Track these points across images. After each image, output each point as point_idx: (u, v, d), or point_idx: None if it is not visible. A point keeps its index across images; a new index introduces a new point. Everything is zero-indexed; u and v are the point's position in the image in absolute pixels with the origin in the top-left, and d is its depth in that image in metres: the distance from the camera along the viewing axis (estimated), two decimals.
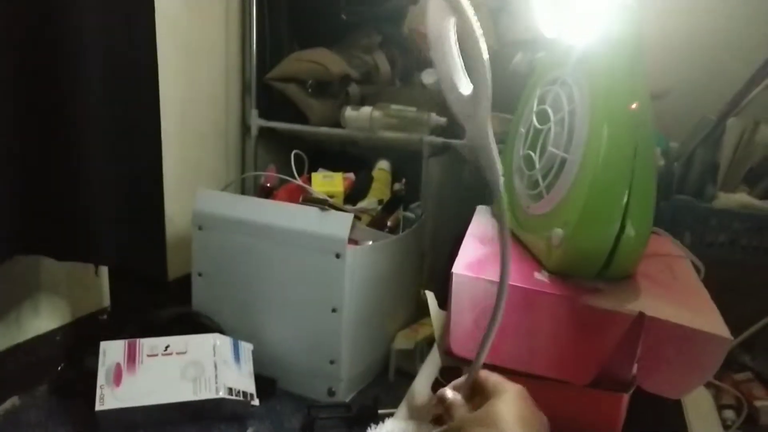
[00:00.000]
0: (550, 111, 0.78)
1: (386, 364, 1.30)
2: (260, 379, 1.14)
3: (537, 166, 0.79)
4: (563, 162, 0.73)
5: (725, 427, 1.05)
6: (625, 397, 0.69)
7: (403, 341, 1.30)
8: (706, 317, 0.68)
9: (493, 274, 0.71)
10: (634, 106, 0.68)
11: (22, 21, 0.89)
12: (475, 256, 0.77)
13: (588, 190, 0.68)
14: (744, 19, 1.49)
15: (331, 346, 1.16)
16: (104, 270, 1.25)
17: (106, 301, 1.28)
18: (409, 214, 1.38)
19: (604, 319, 0.67)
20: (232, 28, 1.57)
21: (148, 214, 1.14)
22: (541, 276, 0.73)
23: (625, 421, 0.73)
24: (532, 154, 0.80)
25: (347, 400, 1.19)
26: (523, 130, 0.86)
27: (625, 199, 0.68)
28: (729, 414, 1.09)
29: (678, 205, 1.22)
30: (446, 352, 0.73)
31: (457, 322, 0.71)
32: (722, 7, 1.51)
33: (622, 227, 0.68)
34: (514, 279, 0.71)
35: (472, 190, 1.38)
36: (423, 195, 1.43)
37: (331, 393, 1.18)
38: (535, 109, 0.82)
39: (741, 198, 1.22)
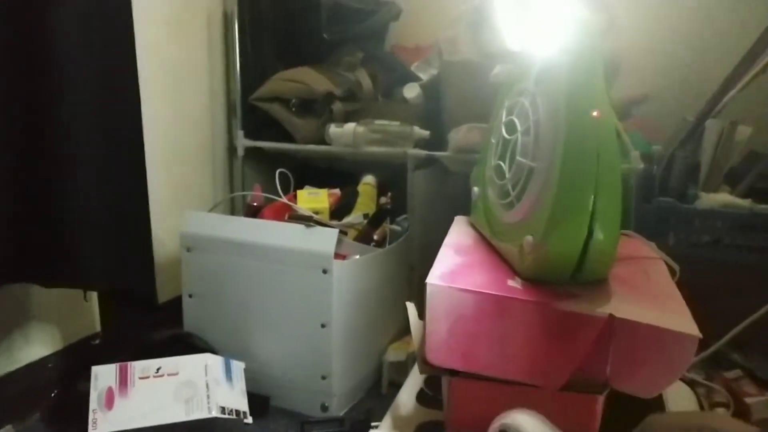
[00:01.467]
0: (517, 121, 0.80)
1: (379, 376, 1.30)
2: (253, 397, 1.15)
3: (507, 175, 0.80)
4: (531, 171, 0.75)
5: None
6: (600, 398, 0.70)
7: (394, 353, 1.30)
8: (675, 317, 0.69)
9: (467, 284, 0.73)
10: (596, 114, 0.70)
11: (5, 50, 0.91)
12: (449, 266, 0.78)
13: (554, 197, 0.70)
14: (722, 22, 1.52)
15: (322, 361, 1.17)
16: (94, 295, 1.26)
17: (97, 326, 1.29)
18: (395, 227, 1.39)
19: (576, 322, 0.68)
20: (215, 50, 1.59)
21: (136, 237, 1.16)
22: (514, 283, 0.75)
23: (606, 422, 0.74)
24: (502, 164, 0.82)
25: (341, 415, 1.19)
26: (494, 141, 0.88)
27: (591, 204, 0.69)
28: (721, 411, 1.09)
29: (661, 207, 1.23)
30: (424, 361, 0.74)
31: (433, 331, 0.72)
32: (700, 11, 1.54)
33: (590, 231, 0.70)
34: (489, 287, 0.73)
35: (458, 200, 1.40)
36: (409, 207, 1.44)
37: (324, 408, 1.19)
38: (503, 119, 0.84)
39: (723, 197, 1.23)
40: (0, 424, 1.09)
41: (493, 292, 0.71)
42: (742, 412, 1.08)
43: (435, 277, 0.74)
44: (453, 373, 0.74)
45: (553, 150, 0.72)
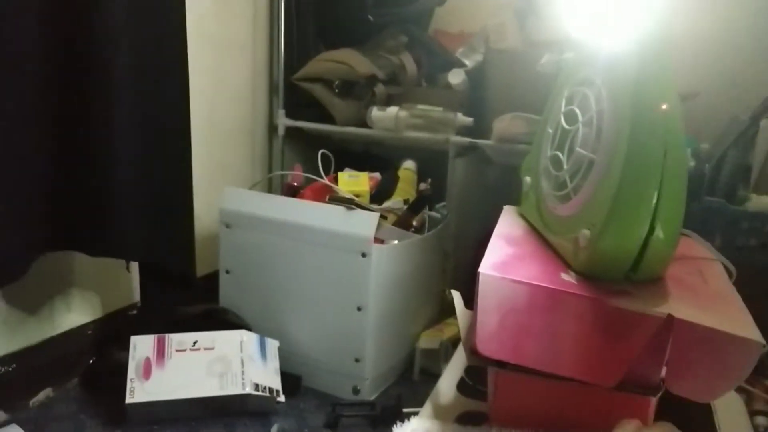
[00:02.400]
0: (578, 112, 0.78)
1: (411, 363, 1.30)
2: (285, 376, 1.15)
3: (565, 167, 0.78)
4: (591, 163, 0.73)
5: None
6: (653, 400, 0.69)
7: (427, 341, 1.30)
8: (736, 321, 0.67)
9: (519, 275, 0.71)
10: (663, 107, 0.68)
11: (57, 24, 0.92)
12: (501, 257, 0.77)
13: (616, 192, 0.68)
14: None
15: (356, 344, 1.17)
16: (135, 266, 1.27)
17: (136, 297, 1.31)
18: (434, 214, 1.38)
19: (632, 321, 0.67)
20: (259, 28, 1.59)
21: (177, 212, 1.16)
22: (567, 277, 0.73)
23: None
24: (560, 154, 0.80)
25: (372, 399, 1.19)
26: (550, 130, 0.86)
27: (654, 201, 0.67)
28: (761, 420, 1.07)
29: (708, 208, 1.20)
30: (472, 352, 0.73)
31: (483, 322, 0.71)
32: (753, 7, 1.49)
33: (651, 229, 0.68)
34: (541, 279, 0.71)
35: (497, 190, 1.38)
36: (448, 195, 1.43)
37: (355, 391, 1.19)
38: (563, 109, 0.82)
39: None
40: (40, 387, 1.11)
41: (547, 285, 0.70)
42: None
43: (487, 267, 0.72)
44: (501, 364, 0.73)
45: (616, 143, 0.70)
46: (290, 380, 1.18)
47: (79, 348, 1.19)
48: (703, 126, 1.39)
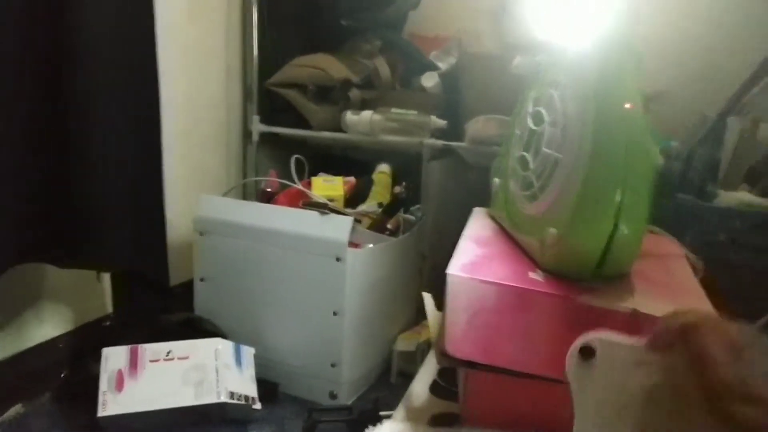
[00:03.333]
0: (544, 112, 0.78)
1: (388, 366, 1.30)
2: (262, 383, 1.15)
3: (531, 166, 0.79)
4: (557, 162, 0.74)
5: None
6: None
7: (404, 343, 1.30)
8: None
9: (488, 275, 0.72)
10: (626, 106, 0.69)
11: (28, 36, 0.91)
12: (470, 258, 0.77)
13: (580, 190, 0.69)
14: (741, 18, 1.49)
15: (332, 349, 1.17)
16: (106, 276, 1.26)
17: (109, 308, 1.29)
18: (409, 217, 1.38)
19: (598, 316, 0.67)
20: (233, 34, 1.58)
21: (150, 219, 1.15)
22: (536, 275, 0.74)
23: None
24: (527, 155, 0.80)
25: (349, 403, 1.19)
26: (518, 132, 0.87)
27: (617, 199, 0.68)
28: None
29: (679, 204, 1.22)
30: (442, 354, 0.73)
31: (452, 322, 0.71)
32: (720, 6, 1.51)
33: (616, 226, 0.68)
34: (510, 279, 0.72)
35: (474, 192, 1.39)
36: (424, 198, 1.43)
37: (332, 396, 1.18)
38: (530, 110, 0.83)
39: (742, 196, 1.21)
40: (10, 403, 1.09)
41: (514, 284, 0.70)
42: None
43: (456, 268, 0.73)
44: (471, 365, 0.73)
45: (580, 142, 0.70)
46: (267, 387, 1.17)
47: (52, 361, 1.17)
48: (675, 125, 1.41)
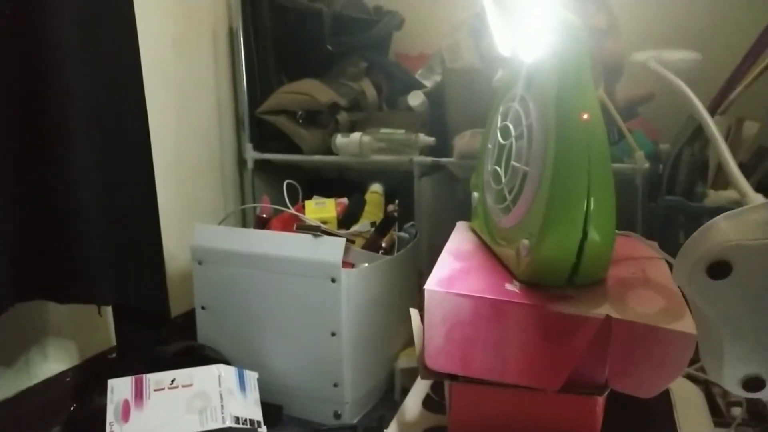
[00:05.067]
0: (511, 126, 0.81)
1: (392, 383, 1.31)
2: (266, 407, 1.16)
3: (503, 180, 0.81)
4: (525, 175, 0.76)
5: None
6: (600, 400, 0.71)
7: (406, 360, 1.31)
8: (672, 315, 0.69)
9: (463, 288, 0.74)
10: (585, 116, 0.71)
11: (9, 68, 0.93)
12: (447, 272, 0.79)
13: (548, 200, 0.70)
14: (726, 18, 1.50)
15: (333, 369, 1.18)
16: (108, 309, 1.29)
17: (113, 340, 1.32)
18: (403, 234, 1.40)
19: (572, 324, 0.69)
20: (221, 66, 1.63)
21: (147, 252, 1.18)
22: (512, 287, 0.75)
23: (611, 423, 0.74)
24: (498, 169, 0.83)
25: (354, 422, 1.20)
26: (490, 146, 0.89)
27: (584, 206, 0.70)
28: (737, 411, 1.08)
29: (668, 206, 1.22)
30: (423, 367, 0.75)
31: (430, 336, 0.73)
32: (705, 6, 1.52)
33: (585, 233, 0.70)
34: (484, 291, 0.73)
35: (466, 206, 1.40)
36: (417, 214, 1.45)
37: (337, 416, 1.20)
38: (498, 125, 0.85)
39: (731, 195, 1.22)
40: None
41: (488, 296, 0.72)
42: (758, 412, 1.07)
43: (432, 283, 0.75)
44: (453, 377, 0.75)
45: (545, 154, 0.72)
46: (271, 410, 1.19)
47: (59, 396, 1.20)
48: (663, 127, 1.43)
